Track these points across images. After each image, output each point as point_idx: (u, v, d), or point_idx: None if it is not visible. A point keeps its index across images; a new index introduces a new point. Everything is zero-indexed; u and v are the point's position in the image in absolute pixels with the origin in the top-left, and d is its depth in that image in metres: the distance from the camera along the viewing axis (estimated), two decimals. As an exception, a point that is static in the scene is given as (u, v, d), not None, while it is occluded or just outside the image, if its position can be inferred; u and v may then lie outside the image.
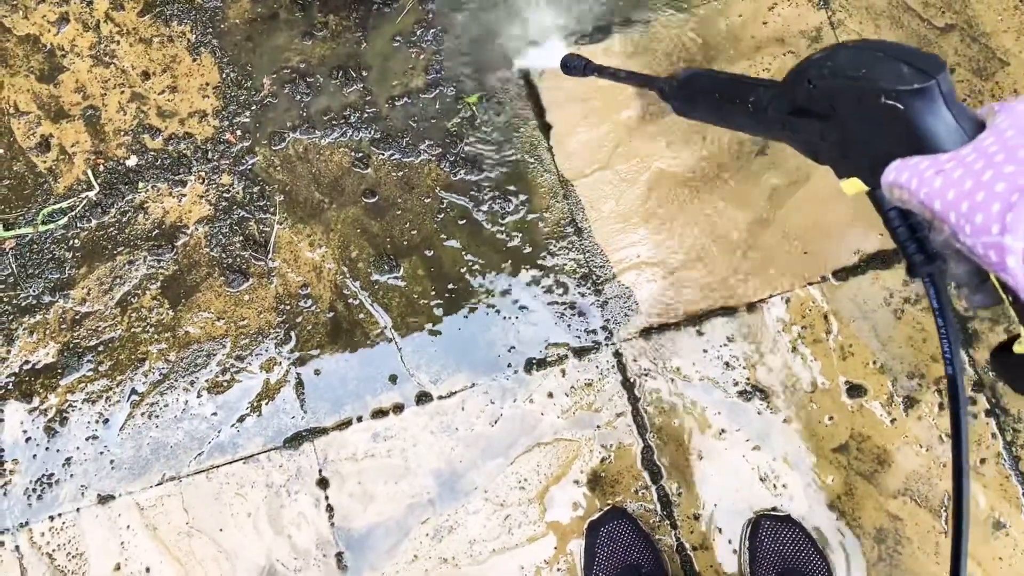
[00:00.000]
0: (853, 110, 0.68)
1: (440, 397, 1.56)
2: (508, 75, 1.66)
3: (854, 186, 0.72)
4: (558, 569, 1.47)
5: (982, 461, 1.46)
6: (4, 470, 1.57)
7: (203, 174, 1.68)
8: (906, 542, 1.45)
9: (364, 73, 1.69)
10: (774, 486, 1.48)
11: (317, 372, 1.58)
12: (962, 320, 1.51)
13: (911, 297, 1.52)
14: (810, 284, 1.54)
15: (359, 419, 1.56)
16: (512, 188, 1.62)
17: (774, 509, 1.45)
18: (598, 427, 1.52)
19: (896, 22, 1.64)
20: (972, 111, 0.63)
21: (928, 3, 1.65)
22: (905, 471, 1.47)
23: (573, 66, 1.40)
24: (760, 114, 0.85)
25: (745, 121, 0.91)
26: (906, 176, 0.60)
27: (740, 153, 1.60)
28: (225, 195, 1.66)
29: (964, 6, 1.64)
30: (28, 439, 1.58)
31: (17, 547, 1.54)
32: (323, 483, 1.54)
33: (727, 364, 1.52)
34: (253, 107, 1.70)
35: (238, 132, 1.69)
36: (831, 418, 1.50)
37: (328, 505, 1.53)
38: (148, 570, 1.53)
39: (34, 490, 1.57)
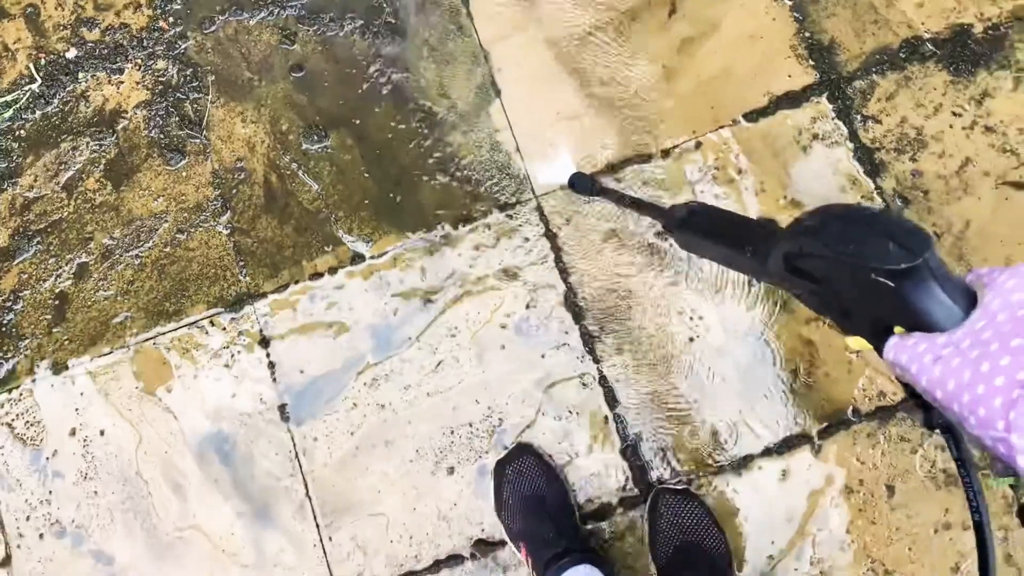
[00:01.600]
0: (847, 282, 0.68)
1: (372, 257, 1.62)
2: (425, -54, 1.71)
3: (859, 343, 0.70)
4: (488, 407, 1.54)
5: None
6: (-37, 348, 1.65)
7: (139, 61, 1.74)
8: (820, 363, 1.51)
9: (288, -45, 1.74)
10: (690, 319, 1.54)
11: (254, 240, 1.64)
12: (870, 151, 1.56)
13: (819, 133, 1.57)
14: (721, 127, 1.59)
15: (296, 282, 1.63)
16: (435, 55, 1.68)
17: (673, 483, 1.48)
18: (521, 275, 1.58)
19: None
20: (963, 282, 0.62)
21: None
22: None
23: (581, 185, 1.48)
24: (759, 263, 0.84)
25: (747, 266, 0.91)
26: (905, 359, 0.59)
27: (651, 7, 1.65)
28: (161, 79, 1.73)
29: None
30: (-17, 316, 1.66)
31: (-22, 417, 1.62)
32: (264, 343, 1.61)
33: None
34: (184, -5, 1.75)
35: (171, 19, 1.75)
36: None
37: (270, 362, 1.60)
38: (102, 433, 1.61)
39: (-9, 364, 1.64)
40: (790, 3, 1.61)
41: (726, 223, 0.97)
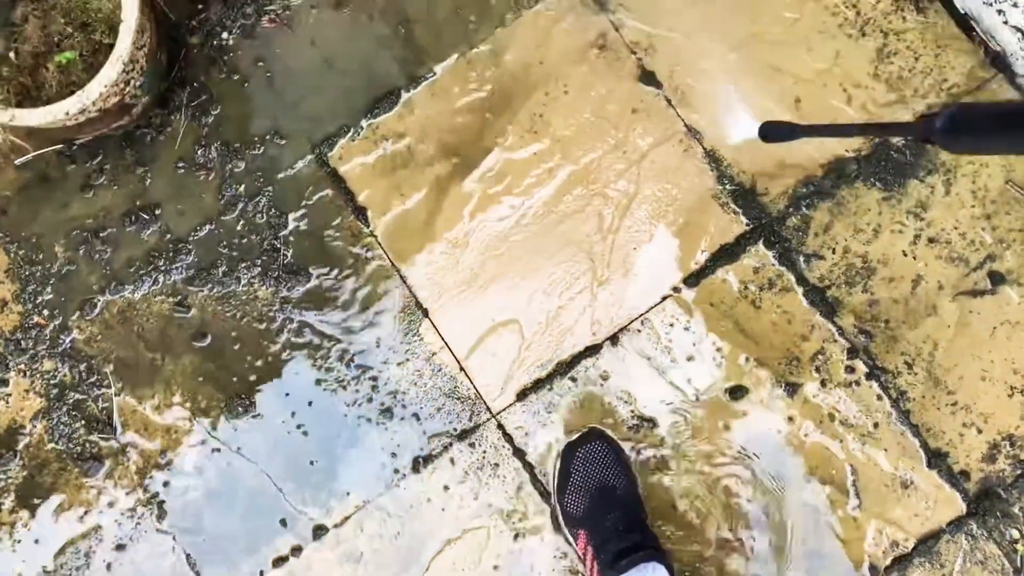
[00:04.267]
0: None
1: (335, 526, 1.50)
2: (305, 167, 1.57)
3: None
4: (500, 662, 1.44)
5: (875, 425, 1.46)
6: None
7: (23, 367, 1.56)
8: (826, 525, 1.45)
9: (157, 211, 1.58)
10: (686, 512, 1.46)
11: (203, 538, 1.50)
12: (820, 290, 1.49)
13: (764, 284, 1.49)
14: (664, 299, 1.50)
15: (260, 574, 1.49)
16: (348, 286, 1.54)
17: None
18: (501, 504, 1.48)
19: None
20: None
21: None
22: (809, 462, 1.46)
23: (778, 133, 1.19)
24: None
25: None
26: None
27: (559, 198, 1.54)
28: (52, 382, 1.55)
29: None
30: None
31: None
32: (243, 648, 1.47)
33: (608, 403, 1.49)
34: (53, 280, 1.57)
35: (45, 312, 1.57)
36: (727, 427, 1.48)
37: (255, 668, 1.47)
38: None
39: None
40: (700, 152, 1.52)
41: (1006, 111, 0.89)
